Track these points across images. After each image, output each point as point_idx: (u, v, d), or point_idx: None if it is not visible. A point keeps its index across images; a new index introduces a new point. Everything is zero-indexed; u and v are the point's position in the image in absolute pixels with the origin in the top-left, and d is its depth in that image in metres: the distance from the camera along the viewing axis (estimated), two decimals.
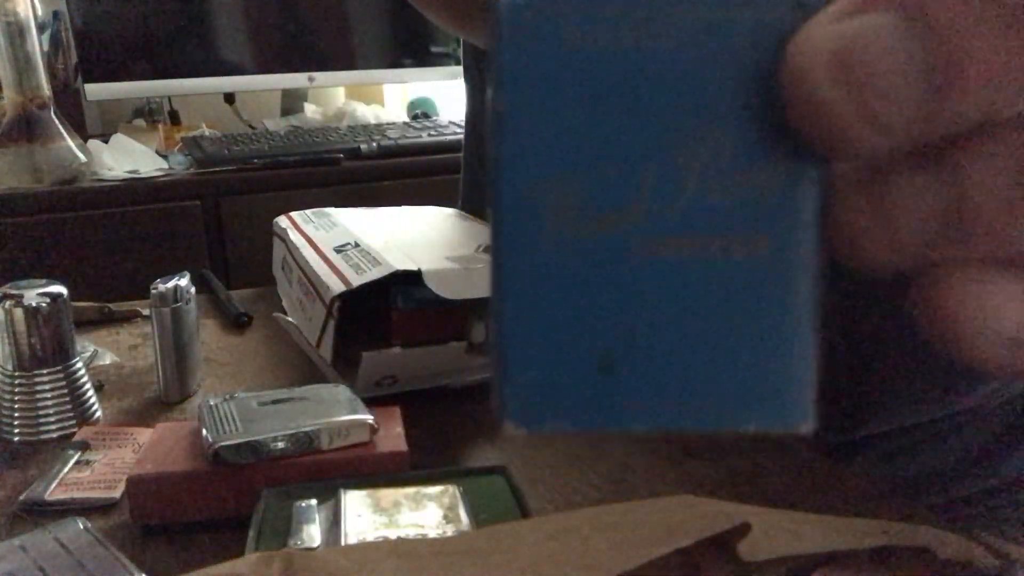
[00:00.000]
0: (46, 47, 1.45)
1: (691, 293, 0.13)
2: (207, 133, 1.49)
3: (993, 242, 0.12)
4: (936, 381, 0.50)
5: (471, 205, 0.76)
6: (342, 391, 0.40)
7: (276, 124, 1.60)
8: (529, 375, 0.13)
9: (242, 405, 0.38)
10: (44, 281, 0.46)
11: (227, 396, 0.40)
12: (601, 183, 0.13)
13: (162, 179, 1.26)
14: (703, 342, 0.13)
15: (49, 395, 0.46)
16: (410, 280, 0.47)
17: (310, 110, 1.69)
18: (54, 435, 0.46)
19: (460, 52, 1.61)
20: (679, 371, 0.13)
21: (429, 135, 1.40)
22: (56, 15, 1.49)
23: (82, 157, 1.25)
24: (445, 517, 0.31)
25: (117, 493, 0.39)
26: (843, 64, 0.11)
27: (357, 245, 0.54)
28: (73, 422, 0.46)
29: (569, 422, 0.14)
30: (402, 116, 1.73)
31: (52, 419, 0.46)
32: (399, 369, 0.47)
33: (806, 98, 0.12)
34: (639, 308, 0.13)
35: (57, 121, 1.23)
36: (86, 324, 0.66)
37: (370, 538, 0.30)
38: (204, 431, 0.36)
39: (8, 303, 0.44)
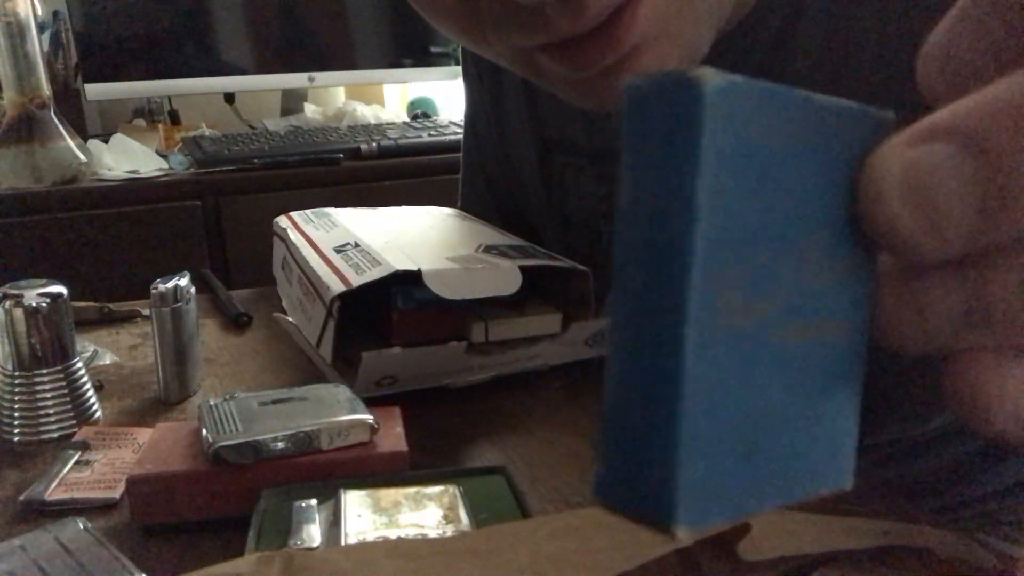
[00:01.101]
0: (46, 47, 1.45)
1: (801, 375, 0.14)
2: (207, 133, 1.49)
3: (1011, 333, 0.14)
4: (933, 396, 0.50)
5: (470, 206, 0.76)
6: (342, 391, 0.40)
7: (276, 124, 1.60)
8: (699, 473, 0.13)
9: (242, 405, 0.38)
10: (44, 281, 0.46)
11: (227, 396, 0.40)
12: (762, 272, 0.13)
13: (162, 179, 1.26)
14: (800, 419, 0.14)
15: (49, 395, 0.46)
16: (410, 280, 0.47)
17: (310, 110, 1.69)
18: (54, 435, 0.46)
19: (460, 52, 1.62)
20: (790, 449, 0.14)
21: (429, 135, 1.40)
22: (56, 15, 1.49)
23: (82, 157, 1.25)
24: (445, 517, 0.31)
25: (117, 493, 0.39)
26: (911, 186, 0.13)
27: (357, 245, 0.54)
28: (73, 422, 0.46)
29: (724, 515, 0.13)
30: (402, 116, 1.73)
31: (52, 419, 0.46)
32: (399, 369, 0.47)
33: (880, 212, 0.14)
34: (772, 393, 0.14)
35: (57, 121, 1.23)
36: (86, 324, 0.66)
37: (370, 538, 0.30)
38: (204, 431, 0.36)
39: (8, 303, 0.44)
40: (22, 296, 0.45)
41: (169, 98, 1.61)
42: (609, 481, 0.13)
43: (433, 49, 1.67)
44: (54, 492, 0.39)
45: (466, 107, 0.77)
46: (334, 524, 0.31)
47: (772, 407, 0.14)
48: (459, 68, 1.64)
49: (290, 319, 0.56)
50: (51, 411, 0.46)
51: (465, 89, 0.77)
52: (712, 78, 0.12)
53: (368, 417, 0.37)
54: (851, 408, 0.15)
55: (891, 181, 0.14)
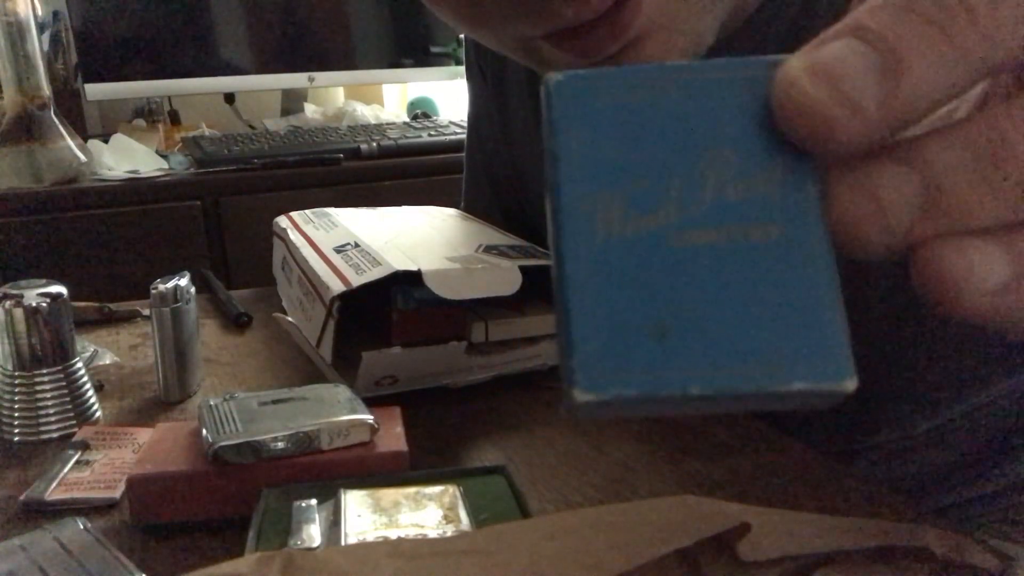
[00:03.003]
0: (46, 47, 1.45)
1: (723, 271, 0.16)
2: (207, 133, 1.49)
3: (966, 217, 0.15)
4: (939, 390, 0.50)
5: (473, 205, 0.76)
6: (342, 391, 0.40)
7: (276, 124, 1.60)
8: (593, 347, 0.16)
9: (242, 405, 0.38)
10: (44, 281, 0.46)
11: (227, 396, 0.40)
12: (637, 194, 0.16)
13: (162, 179, 1.26)
14: (740, 311, 0.16)
15: (49, 395, 0.46)
16: (410, 280, 0.47)
17: (310, 110, 1.69)
18: (54, 435, 0.46)
19: (461, 52, 1.62)
20: (723, 337, 0.16)
21: (429, 135, 1.40)
22: (56, 15, 1.49)
23: (82, 157, 1.25)
24: (445, 517, 0.31)
25: (117, 493, 0.39)
26: (820, 70, 0.15)
27: (357, 245, 0.54)
28: (73, 422, 0.46)
29: (632, 388, 0.16)
30: (402, 116, 1.73)
31: (52, 419, 0.46)
32: (399, 369, 0.47)
33: (796, 101, 0.15)
34: (681, 285, 0.16)
35: (57, 121, 1.23)
36: (86, 324, 0.66)
37: (370, 538, 0.30)
38: (204, 431, 0.36)
39: (8, 303, 0.44)
40: (22, 296, 0.45)
41: (169, 98, 1.61)
42: (561, 372, 0.17)
43: (433, 49, 1.67)
44: (54, 492, 0.39)
45: (469, 107, 0.77)
46: (334, 524, 0.31)
47: (690, 297, 0.16)
48: (459, 68, 1.65)
49: (290, 319, 0.56)
50: (51, 411, 0.46)
51: (469, 89, 0.77)
52: (557, 76, 0.17)
53: (368, 417, 0.37)
54: (825, 304, 0.16)
55: (802, 73, 0.15)
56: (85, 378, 0.48)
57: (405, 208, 0.72)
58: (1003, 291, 0.16)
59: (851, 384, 0.16)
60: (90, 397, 0.48)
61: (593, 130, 0.17)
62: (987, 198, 0.15)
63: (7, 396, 0.46)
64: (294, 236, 0.62)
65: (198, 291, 0.54)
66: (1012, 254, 0.16)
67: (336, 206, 0.71)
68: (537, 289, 0.55)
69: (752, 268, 0.16)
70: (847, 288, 0.16)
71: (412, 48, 1.66)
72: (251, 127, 1.59)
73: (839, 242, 0.16)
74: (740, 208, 0.16)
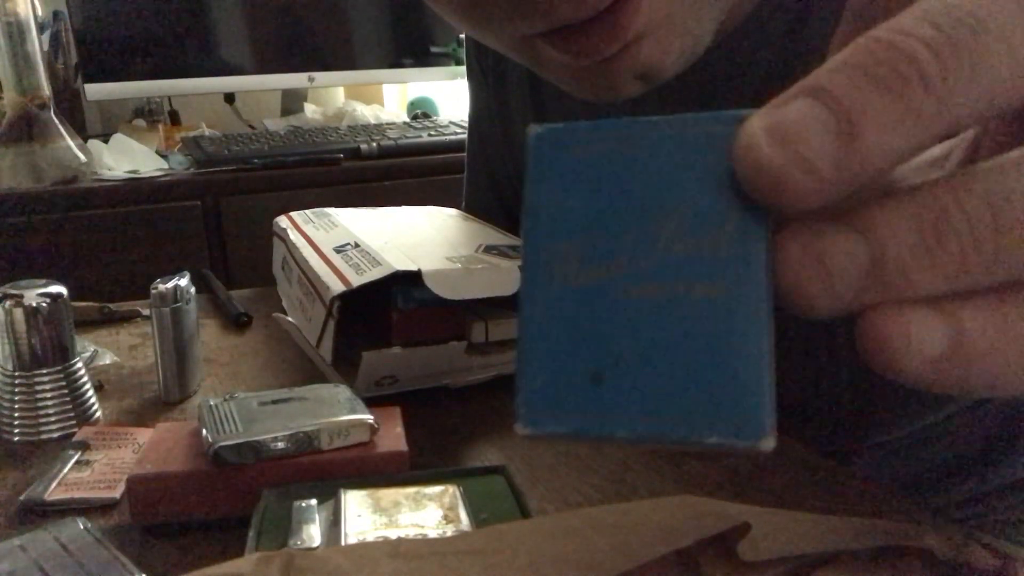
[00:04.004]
0: (46, 47, 1.45)
1: (662, 325, 0.17)
2: (207, 133, 1.49)
3: (908, 286, 0.16)
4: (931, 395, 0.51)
5: (474, 205, 0.76)
6: (342, 391, 0.40)
7: (276, 124, 1.60)
8: (536, 386, 0.18)
9: (242, 405, 0.38)
10: (44, 281, 0.46)
11: (227, 396, 0.40)
12: (594, 246, 0.17)
13: (162, 179, 1.26)
14: (672, 364, 0.17)
15: (49, 395, 0.46)
16: (410, 280, 0.47)
17: (310, 110, 1.69)
18: (54, 435, 0.46)
19: (461, 52, 1.62)
20: (653, 387, 0.17)
21: (429, 135, 1.40)
22: (56, 15, 1.49)
23: (82, 157, 1.25)
24: (445, 517, 0.31)
25: (117, 493, 0.39)
26: (777, 130, 0.16)
27: (357, 245, 0.54)
28: (73, 422, 0.46)
29: (563, 427, 0.17)
30: (402, 116, 1.73)
31: (52, 419, 0.46)
32: (399, 369, 0.47)
33: (754, 159, 0.16)
34: (621, 335, 0.17)
35: (57, 121, 1.23)
36: (86, 324, 0.66)
37: (370, 538, 0.30)
38: (204, 431, 0.36)
39: (8, 303, 0.44)
40: (22, 296, 0.45)
41: (169, 98, 1.61)
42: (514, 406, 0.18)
43: (433, 49, 1.67)
44: (54, 492, 0.39)
45: (470, 106, 0.77)
46: (334, 524, 0.31)
47: (628, 347, 0.17)
48: (459, 68, 1.65)
49: (290, 319, 0.56)
50: (51, 411, 0.46)
51: (469, 88, 0.77)
52: (536, 129, 0.18)
53: (368, 417, 0.37)
54: (754, 365, 0.16)
55: (759, 132, 0.16)
56: (85, 378, 0.48)
57: (405, 208, 0.72)
58: (942, 359, 0.16)
59: (768, 444, 0.16)
60: (90, 397, 0.48)
61: (563, 182, 0.18)
62: (927, 270, 0.16)
63: (7, 396, 0.46)
64: (294, 236, 0.62)
65: (198, 291, 0.54)
66: (951, 324, 0.16)
67: (336, 206, 0.71)
68: None
69: (689, 323, 0.17)
70: None
71: (412, 48, 1.66)
72: (251, 127, 1.59)
73: (785, 302, 0.17)
74: (688, 264, 0.17)
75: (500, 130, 0.71)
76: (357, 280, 0.47)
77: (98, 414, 0.48)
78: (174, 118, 1.62)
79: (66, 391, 0.46)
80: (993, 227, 0.16)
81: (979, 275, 0.16)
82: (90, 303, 0.67)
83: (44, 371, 0.46)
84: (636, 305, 0.17)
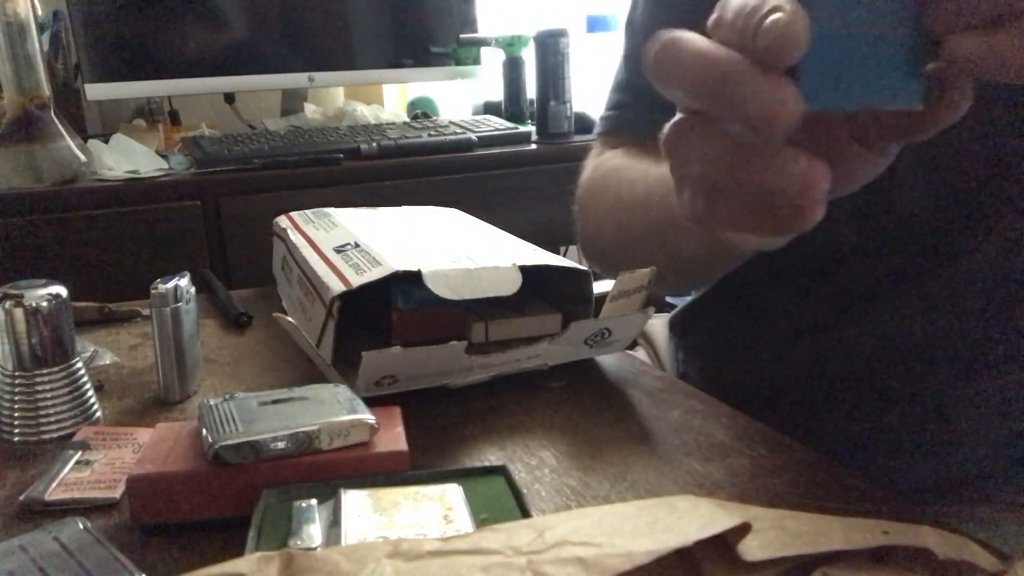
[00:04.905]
0: (46, 47, 1.45)
1: (879, 39, 0.27)
2: (207, 133, 1.49)
3: None
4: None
5: (624, 116, 0.67)
6: (342, 391, 0.40)
7: (276, 124, 1.60)
8: (820, 67, 0.26)
9: (242, 405, 0.38)
10: (44, 281, 0.46)
11: (227, 396, 0.40)
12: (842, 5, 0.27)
13: (162, 179, 1.26)
14: (884, 61, 0.27)
15: (49, 395, 0.46)
16: (410, 280, 0.47)
17: (310, 110, 1.68)
18: (54, 435, 0.46)
19: (462, 52, 1.61)
20: (874, 75, 0.27)
21: (429, 135, 1.40)
22: (56, 15, 1.49)
23: (82, 157, 1.25)
24: (445, 517, 0.31)
25: (117, 493, 0.39)
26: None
27: (357, 245, 0.54)
28: (73, 422, 0.46)
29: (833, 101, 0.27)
30: (402, 116, 1.73)
31: (52, 419, 0.46)
32: (399, 369, 0.47)
33: None
34: (858, 42, 0.26)
35: (57, 121, 1.23)
36: (86, 324, 0.66)
37: (370, 538, 0.30)
38: (204, 431, 0.36)
39: (8, 303, 0.44)
40: (22, 296, 0.45)
41: (169, 98, 1.61)
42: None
43: (433, 49, 1.67)
44: (54, 492, 0.39)
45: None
46: (334, 524, 0.31)
47: (858, 48, 0.26)
48: (459, 68, 1.65)
49: (290, 319, 0.56)
50: (51, 411, 0.46)
51: None
52: None
53: (368, 417, 0.37)
54: (913, 65, 0.27)
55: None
56: (85, 378, 0.48)
57: (405, 208, 0.72)
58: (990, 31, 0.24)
59: (919, 105, 0.27)
60: (90, 397, 0.48)
61: None
62: None
63: (7, 396, 0.46)
64: (294, 236, 0.62)
65: (198, 291, 0.54)
66: None
67: (336, 206, 0.71)
68: (537, 289, 0.55)
69: (890, 39, 0.27)
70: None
71: (412, 48, 1.66)
72: (251, 127, 1.59)
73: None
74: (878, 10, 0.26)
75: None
76: (357, 280, 0.47)
77: (98, 414, 0.48)
78: (174, 118, 1.62)
79: (66, 391, 0.46)
80: None
81: None
82: (90, 303, 0.67)
83: (44, 371, 0.46)
84: (862, 31, 0.26)
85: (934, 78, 0.27)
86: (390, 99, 1.92)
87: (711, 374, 0.66)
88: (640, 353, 0.79)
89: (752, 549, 0.25)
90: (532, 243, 0.57)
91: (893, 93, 0.27)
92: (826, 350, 0.56)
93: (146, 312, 0.67)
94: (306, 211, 0.69)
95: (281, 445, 0.36)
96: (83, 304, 0.66)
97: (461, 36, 1.63)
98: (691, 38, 0.27)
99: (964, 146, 0.48)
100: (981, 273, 0.50)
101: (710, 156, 0.28)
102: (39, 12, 1.41)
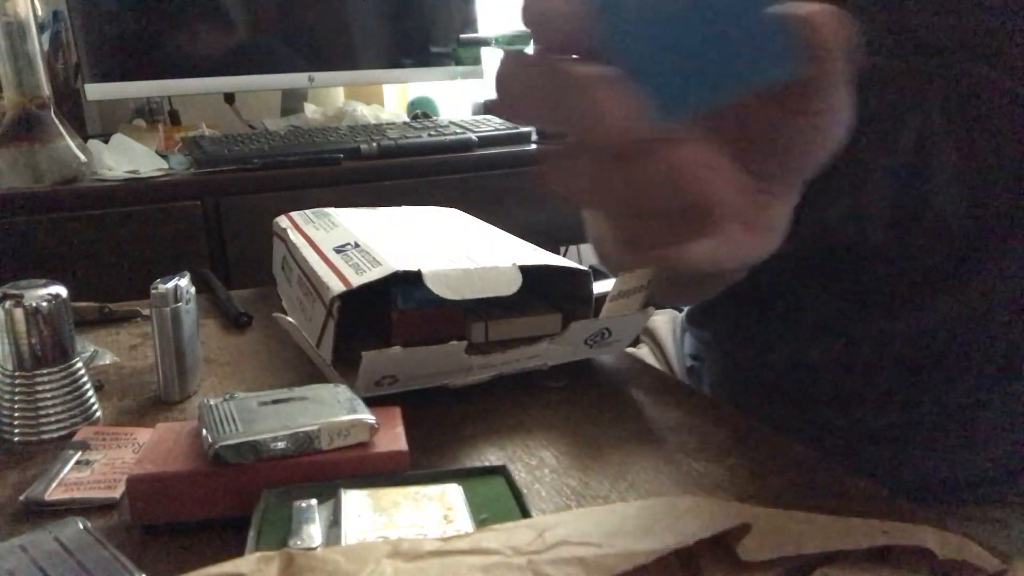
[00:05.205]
0: (46, 47, 1.45)
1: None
2: (207, 133, 1.49)
3: None
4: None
5: None
6: (342, 391, 0.40)
7: (276, 124, 1.60)
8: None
9: (242, 405, 0.38)
10: (44, 281, 0.46)
11: (227, 396, 0.40)
12: None
13: (162, 179, 1.26)
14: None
15: (49, 395, 0.46)
16: (410, 280, 0.47)
17: (310, 110, 1.68)
18: (54, 435, 0.46)
19: (462, 52, 1.61)
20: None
21: (429, 135, 1.40)
22: (56, 15, 1.49)
23: (82, 157, 1.25)
24: (445, 517, 0.31)
25: (117, 493, 0.39)
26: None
27: (357, 245, 0.54)
28: (73, 422, 0.46)
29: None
30: (402, 116, 1.73)
31: (52, 419, 0.46)
32: (399, 369, 0.47)
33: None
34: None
35: (57, 121, 1.23)
36: (86, 324, 0.66)
37: (370, 538, 0.30)
38: (204, 431, 0.36)
39: (8, 303, 0.44)
40: (22, 296, 0.45)
41: (169, 98, 1.61)
42: None
43: (433, 49, 1.67)
44: (54, 492, 0.39)
45: None
46: (334, 524, 0.31)
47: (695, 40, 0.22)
48: (459, 68, 1.65)
49: (290, 319, 0.56)
50: (51, 411, 0.46)
51: None
52: None
53: (368, 417, 0.37)
54: (770, 32, 0.21)
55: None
56: (85, 378, 0.48)
57: (405, 208, 0.72)
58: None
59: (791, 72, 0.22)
60: (90, 397, 0.48)
61: None
62: None
63: (7, 396, 0.46)
64: (294, 236, 0.62)
65: (198, 291, 0.54)
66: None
67: (336, 206, 0.71)
68: (537, 289, 0.55)
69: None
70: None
71: (412, 48, 1.66)
72: (251, 127, 1.59)
73: None
74: None
75: None
76: (357, 280, 0.47)
77: (98, 414, 0.48)
78: (174, 118, 1.62)
79: (66, 391, 0.46)
80: None
81: None
82: (90, 303, 0.67)
83: (44, 371, 0.46)
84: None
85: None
86: (390, 99, 1.92)
87: (727, 368, 0.66)
88: (643, 350, 0.79)
89: (752, 549, 0.25)
90: (532, 243, 0.57)
91: (754, 66, 0.22)
92: (852, 347, 0.56)
93: (146, 312, 0.67)
94: (306, 211, 0.69)
95: (281, 445, 0.36)
96: (83, 304, 0.66)
97: (461, 36, 1.63)
98: (523, 54, 0.24)
99: (1001, 148, 0.47)
100: (1012, 276, 0.50)
101: (588, 182, 0.25)
102: (39, 12, 1.41)
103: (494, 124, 1.47)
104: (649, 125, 0.22)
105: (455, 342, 0.47)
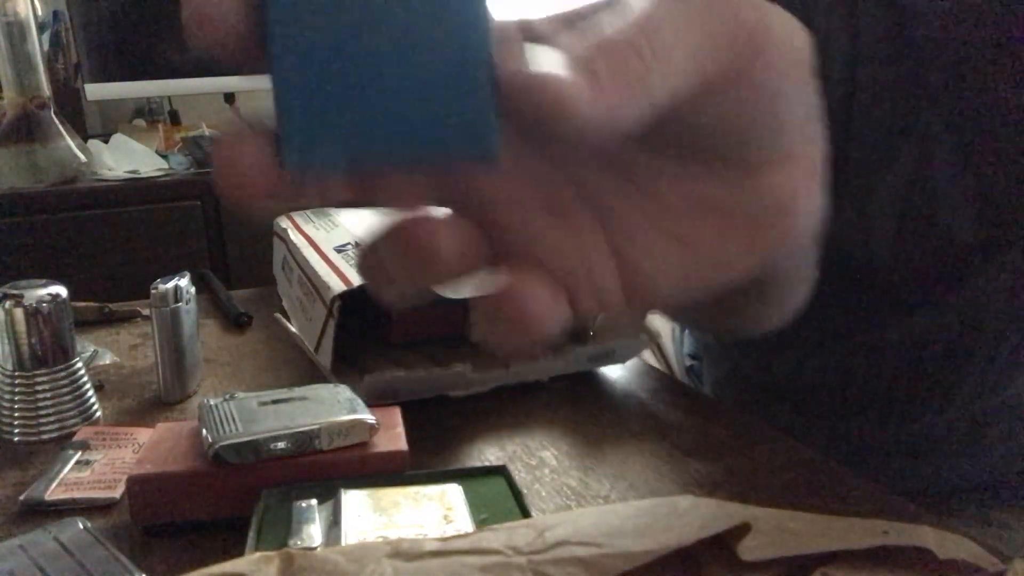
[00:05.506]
0: (46, 47, 1.45)
1: (406, 66, 0.18)
2: (207, 133, 1.49)
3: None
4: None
5: None
6: (342, 391, 0.40)
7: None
8: (299, 122, 0.19)
9: (242, 405, 0.38)
10: (44, 281, 0.46)
11: (227, 396, 0.40)
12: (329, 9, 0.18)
13: (162, 179, 1.26)
14: (420, 96, 0.18)
15: (49, 395, 0.46)
16: None
17: None
18: (54, 435, 0.46)
19: None
20: (408, 114, 0.18)
21: None
22: (56, 15, 1.49)
23: (82, 157, 1.25)
24: (445, 517, 0.31)
25: (117, 493, 0.39)
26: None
27: (357, 245, 0.54)
28: (73, 422, 0.46)
29: (336, 154, 0.18)
30: None
31: (52, 419, 0.46)
32: (401, 388, 0.47)
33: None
34: (370, 73, 0.18)
35: (57, 121, 1.23)
36: (86, 324, 0.66)
37: (370, 538, 0.30)
38: (204, 431, 0.36)
39: (8, 303, 0.44)
40: (22, 296, 0.45)
41: (169, 98, 1.61)
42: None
43: None
44: (54, 492, 0.39)
45: None
46: (334, 524, 0.31)
47: (372, 82, 0.18)
48: None
49: (292, 327, 0.56)
50: (51, 411, 0.46)
51: None
52: None
53: (368, 417, 0.37)
54: (479, 97, 0.18)
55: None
56: (85, 378, 0.48)
57: None
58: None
59: (494, 158, 0.18)
60: (90, 397, 0.48)
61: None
62: None
63: (7, 396, 0.46)
64: (294, 236, 0.62)
65: (198, 291, 0.54)
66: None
67: None
68: None
69: (428, 67, 0.18)
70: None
71: None
72: (251, 127, 1.59)
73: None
74: (412, 30, 0.18)
75: None
76: (358, 280, 0.47)
77: (98, 414, 0.48)
78: (174, 118, 1.62)
79: (66, 391, 0.46)
80: None
81: None
82: (90, 303, 0.67)
83: (44, 371, 0.46)
84: (380, 49, 0.18)
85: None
86: None
87: (729, 372, 0.66)
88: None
89: (752, 549, 0.25)
90: None
91: (445, 140, 0.18)
92: (856, 354, 0.56)
93: (146, 312, 0.67)
94: (306, 211, 0.69)
95: (281, 445, 0.36)
96: (83, 304, 0.66)
97: None
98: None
99: (1006, 160, 0.46)
100: (1004, 287, 0.50)
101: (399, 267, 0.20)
102: (39, 12, 1.41)
103: None
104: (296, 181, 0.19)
105: (459, 365, 0.47)
